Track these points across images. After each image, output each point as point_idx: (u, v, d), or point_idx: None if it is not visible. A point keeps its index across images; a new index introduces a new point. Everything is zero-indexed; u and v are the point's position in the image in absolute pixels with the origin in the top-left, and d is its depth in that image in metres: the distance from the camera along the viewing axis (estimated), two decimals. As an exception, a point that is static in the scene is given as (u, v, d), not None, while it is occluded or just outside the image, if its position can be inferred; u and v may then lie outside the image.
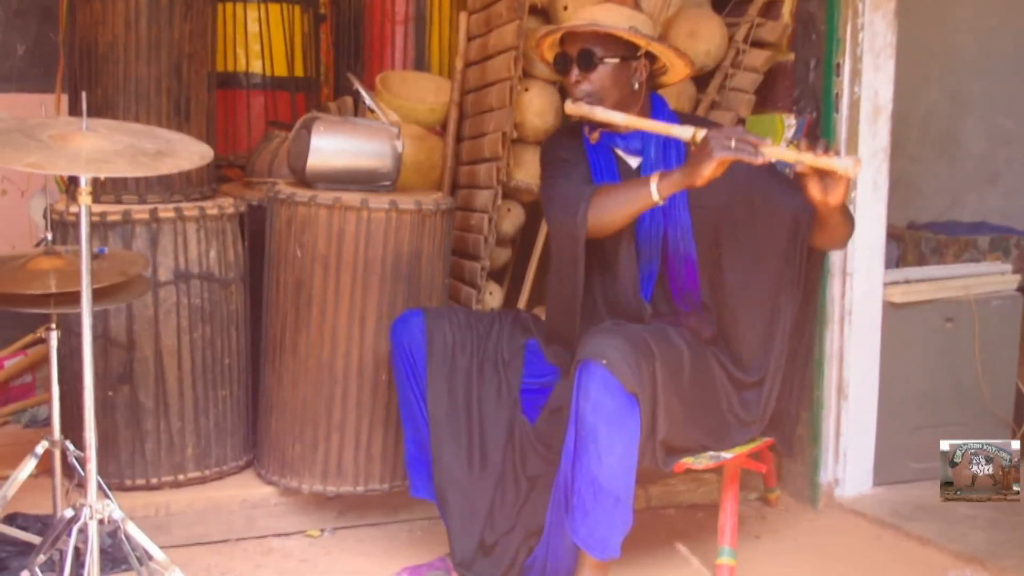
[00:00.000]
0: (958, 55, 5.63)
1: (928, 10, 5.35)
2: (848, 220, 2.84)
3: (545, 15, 3.86)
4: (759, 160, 2.58)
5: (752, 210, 2.94)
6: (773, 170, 2.91)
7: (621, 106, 2.94)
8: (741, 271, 2.98)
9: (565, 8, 3.71)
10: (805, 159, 2.58)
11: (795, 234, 2.91)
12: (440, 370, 3.02)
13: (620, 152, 3.05)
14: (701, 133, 2.66)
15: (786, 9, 3.86)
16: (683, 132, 2.71)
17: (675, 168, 2.77)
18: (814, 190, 2.63)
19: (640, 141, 3.01)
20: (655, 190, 2.75)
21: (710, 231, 3.00)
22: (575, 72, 2.97)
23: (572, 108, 2.95)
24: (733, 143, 2.60)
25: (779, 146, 2.64)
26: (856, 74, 3.63)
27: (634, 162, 3.04)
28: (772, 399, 3.01)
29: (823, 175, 2.62)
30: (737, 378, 2.99)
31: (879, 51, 3.64)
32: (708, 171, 2.63)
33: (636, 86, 2.99)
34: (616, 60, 2.95)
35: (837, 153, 2.59)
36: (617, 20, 2.95)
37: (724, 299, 3.01)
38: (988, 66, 5.67)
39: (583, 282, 2.91)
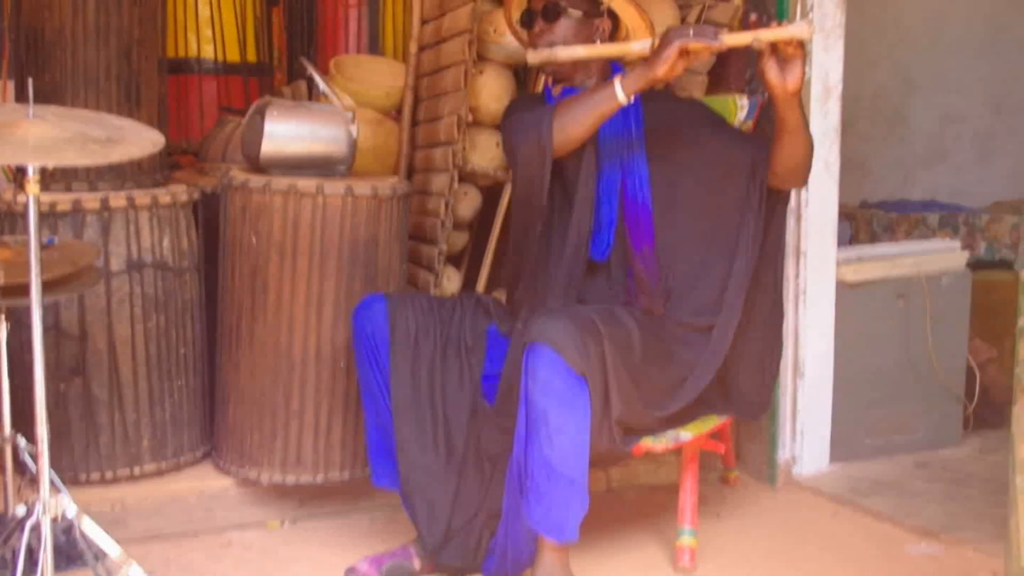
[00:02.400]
0: (907, 35, 5.66)
1: (876, -8, 5.36)
2: (806, 127, 2.82)
3: (499, -2, 3.80)
4: (716, 44, 2.60)
5: (709, 157, 2.96)
6: (726, 123, 3.00)
7: (582, 65, 2.98)
8: (698, 217, 2.99)
9: (519, -9, 3.66)
10: (760, 35, 2.59)
11: (753, 176, 2.92)
12: (403, 356, 2.97)
13: None
14: (658, 40, 2.68)
15: (737, -10, 3.84)
16: (642, 46, 2.73)
17: (636, 67, 2.75)
18: (771, 73, 2.64)
19: None
20: (619, 89, 2.74)
21: (668, 180, 3.00)
22: (539, 23, 3.00)
23: (533, 55, 2.97)
24: (691, 31, 2.61)
25: (735, 33, 2.67)
26: (806, 55, 3.60)
27: None
28: (724, 342, 2.98)
29: (778, 56, 2.62)
30: (690, 324, 2.98)
31: (829, 32, 3.63)
32: (670, 60, 2.63)
33: (598, 43, 2.99)
34: (579, 13, 2.98)
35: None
36: None
37: (681, 246, 3.01)
38: (936, 46, 5.70)
39: (545, 210, 2.91)
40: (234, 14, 4.34)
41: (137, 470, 3.36)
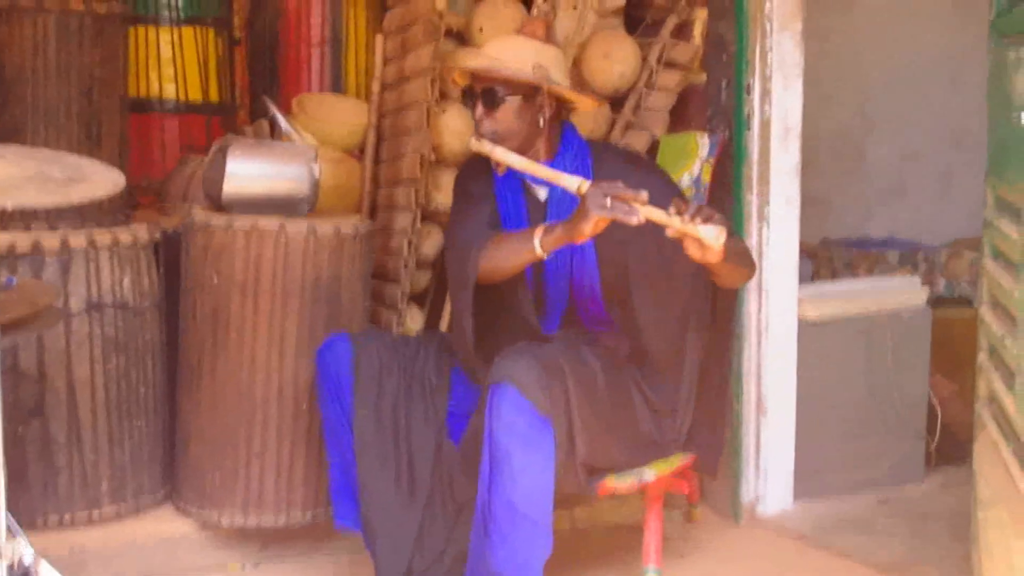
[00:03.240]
0: (866, 73, 5.72)
1: (835, 31, 5.43)
2: (740, 264, 2.81)
3: (460, 38, 3.84)
4: (633, 220, 2.56)
5: (658, 241, 2.93)
6: (677, 199, 2.91)
7: (527, 142, 2.93)
8: (649, 303, 2.96)
9: (481, 30, 3.70)
10: (674, 223, 2.56)
11: (699, 267, 2.90)
12: (367, 395, 2.98)
13: (528, 183, 3.03)
14: (586, 185, 2.63)
15: (697, 31, 3.89)
16: (570, 183, 2.68)
17: (558, 223, 2.74)
18: (691, 249, 2.59)
19: None
20: (538, 245, 2.74)
21: (617, 263, 2.97)
22: (480, 109, 2.93)
23: (475, 146, 2.90)
24: (609, 202, 2.57)
25: (654, 208, 2.62)
26: (766, 94, 3.65)
27: (542, 194, 3.02)
28: (685, 427, 3.01)
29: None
30: (652, 400, 2.98)
31: (788, 71, 3.67)
32: (587, 229, 2.62)
33: (541, 122, 2.95)
34: (519, 99, 2.92)
35: (709, 219, 2.56)
36: (522, 56, 2.91)
37: (633, 330, 3.00)
38: (895, 83, 5.77)
39: (487, 312, 2.91)
40: (196, 53, 4.35)
41: (96, 513, 3.33)
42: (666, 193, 2.75)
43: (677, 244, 2.81)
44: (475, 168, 3.12)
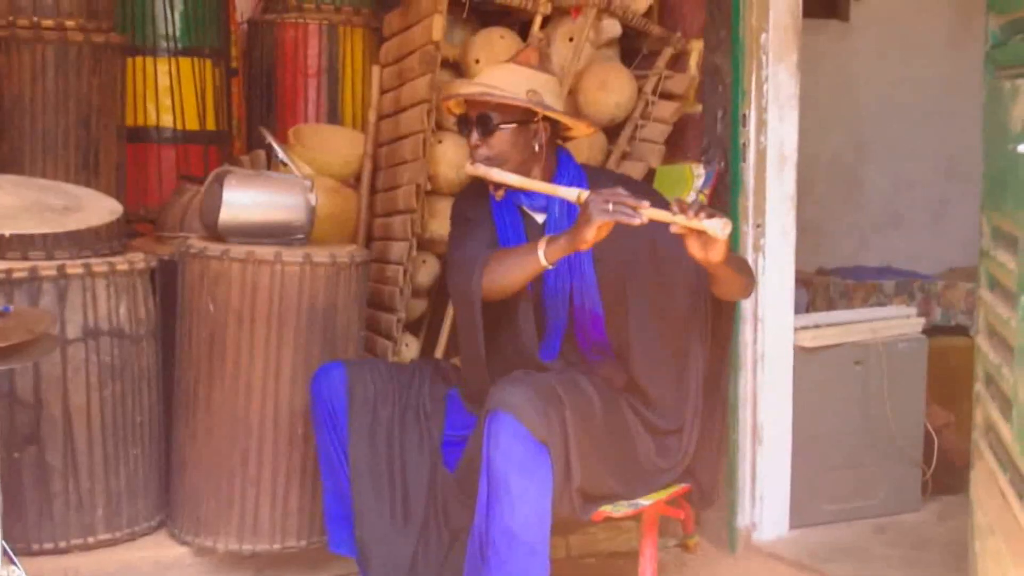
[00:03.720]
0: (860, 103, 5.77)
1: (829, 61, 5.48)
2: (740, 272, 2.82)
3: (457, 68, 3.86)
4: (636, 222, 2.58)
5: (656, 262, 2.94)
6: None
7: (523, 167, 2.94)
8: (648, 322, 2.97)
9: (477, 61, 3.72)
10: (679, 220, 2.57)
11: (698, 284, 2.91)
12: (362, 422, 2.98)
13: (526, 208, 3.05)
14: (585, 194, 2.66)
15: (693, 62, 3.91)
16: (568, 193, 2.71)
17: (561, 234, 2.77)
18: (693, 248, 2.61)
19: (544, 198, 3.00)
20: (542, 255, 2.76)
21: (616, 285, 2.99)
22: (474, 136, 2.95)
23: (471, 170, 2.94)
24: (611, 206, 2.60)
25: (656, 209, 2.65)
26: (762, 124, 3.67)
27: (540, 218, 3.03)
28: (692, 445, 3.00)
29: (700, 234, 2.61)
30: (653, 424, 2.98)
31: (783, 102, 3.69)
32: (590, 235, 2.63)
33: (536, 148, 2.97)
34: (513, 125, 2.94)
35: (712, 215, 2.58)
36: (516, 83, 2.93)
37: (633, 351, 3.00)
38: (889, 113, 5.81)
39: (484, 342, 2.90)
40: (193, 83, 4.37)
41: (91, 539, 3.33)
42: (662, 205, 2.77)
43: (675, 265, 2.83)
44: (472, 194, 3.14)
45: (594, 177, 3.05)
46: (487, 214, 3.05)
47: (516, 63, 3.03)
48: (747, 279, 2.88)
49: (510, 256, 2.85)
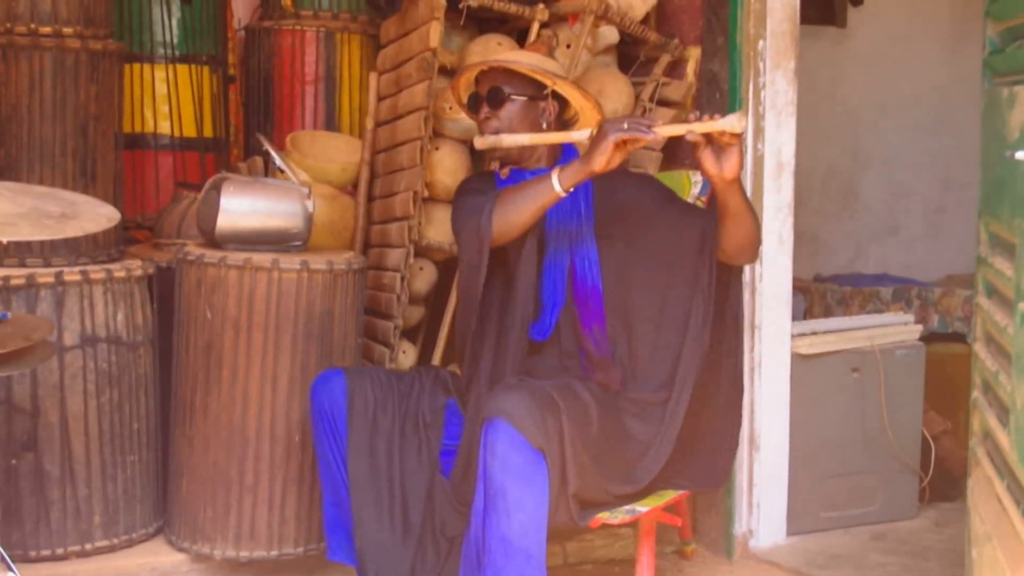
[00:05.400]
0: (857, 112, 5.78)
1: (826, 68, 5.49)
2: (749, 209, 2.81)
3: (453, 75, 3.86)
4: (651, 136, 2.61)
5: (658, 233, 2.96)
6: (676, 197, 3.03)
7: (529, 148, 3.00)
8: (651, 297, 2.99)
9: (474, 68, 3.72)
10: (695, 127, 2.60)
11: (702, 247, 2.91)
12: (361, 430, 2.98)
13: None
14: (597, 129, 2.71)
15: (690, 68, 3.91)
16: (581, 135, 2.77)
17: (574, 160, 2.80)
18: (708, 163, 2.63)
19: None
20: (556, 182, 2.75)
21: (617, 259, 3.01)
22: (485, 109, 3.01)
23: (480, 141, 3.00)
24: (626, 124, 2.63)
25: (671, 125, 2.69)
26: (759, 131, 3.68)
27: None
28: (678, 416, 2.98)
29: (714, 146, 2.62)
30: (647, 401, 2.98)
31: (781, 109, 3.70)
32: (606, 154, 2.65)
33: (544, 125, 3.02)
34: (524, 98, 3.00)
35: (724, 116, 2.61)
36: (529, 60, 3.02)
37: (631, 324, 3.01)
38: (886, 123, 5.83)
39: (481, 293, 2.90)
40: (191, 90, 4.37)
41: (88, 546, 3.33)
42: (664, 193, 2.78)
43: (678, 229, 2.84)
44: (475, 179, 3.20)
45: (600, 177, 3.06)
46: (493, 189, 3.05)
47: (527, 49, 3.09)
48: (754, 221, 2.84)
49: (522, 188, 2.85)
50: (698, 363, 2.97)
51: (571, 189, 2.77)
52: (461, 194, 3.11)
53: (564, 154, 3.06)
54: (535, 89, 3.01)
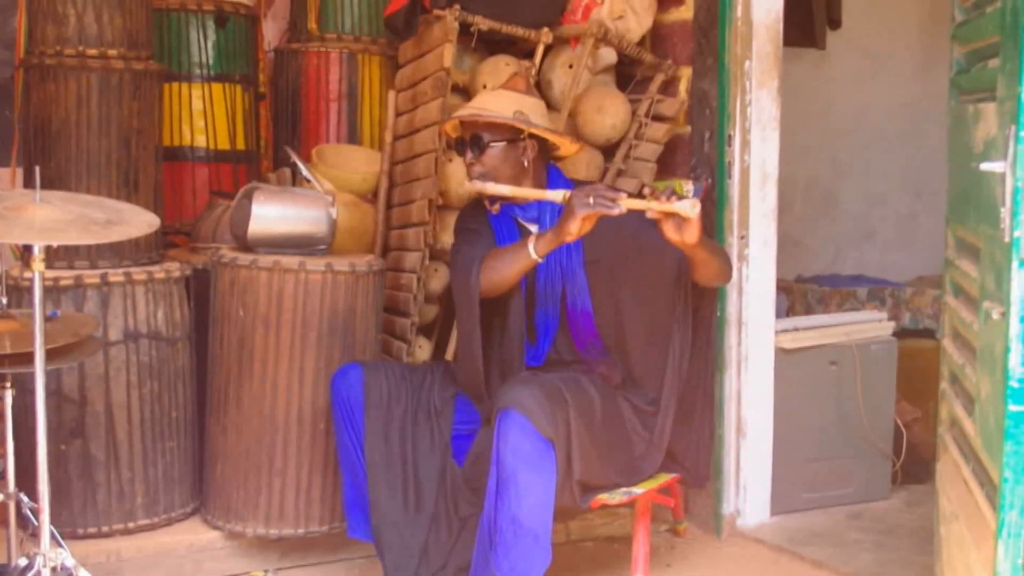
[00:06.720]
0: (836, 125, 5.77)
1: (807, 87, 5.48)
2: (715, 254, 2.82)
3: (466, 93, 3.87)
4: (615, 211, 2.63)
5: (642, 259, 2.96)
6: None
7: (514, 182, 2.98)
8: (639, 316, 3.00)
9: (484, 86, 3.72)
10: (652, 206, 2.62)
11: (679, 273, 2.92)
12: (377, 419, 2.99)
13: (520, 220, 3.08)
14: (569, 194, 2.69)
15: (682, 87, 3.92)
16: (554, 196, 2.77)
17: (548, 229, 2.81)
18: (669, 231, 2.64)
19: (536, 210, 3.05)
20: (532, 250, 2.79)
21: (605, 283, 3.01)
22: (469, 155, 3.00)
23: (468, 186, 3.01)
24: (592, 200, 2.63)
25: (633, 199, 2.69)
26: (745, 144, 3.68)
27: (533, 228, 3.05)
28: (668, 422, 3.00)
29: (674, 218, 2.63)
30: (642, 410, 3.00)
31: (765, 124, 3.69)
32: (575, 227, 2.66)
33: (526, 163, 3.01)
34: (503, 143, 2.98)
35: (680, 198, 2.61)
36: (504, 105, 2.98)
37: (627, 344, 3.02)
38: (862, 135, 5.82)
39: (481, 338, 2.93)
40: (225, 106, 4.37)
41: (131, 524, 3.34)
42: (646, 219, 2.79)
43: (658, 258, 2.85)
44: (473, 210, 3.19)
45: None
46: (487, 225, 3.08)
47: (505, 88, 3.07)
48: (722, 261, 2.88)
49: (504, 253, 2.89)
50: (680, 385, 3.00)
51: (544, 256, 2.80)
52: (457, 233, 3.15)
53: (549, 186, 3.03)
54: (512, 132, 2.99)
